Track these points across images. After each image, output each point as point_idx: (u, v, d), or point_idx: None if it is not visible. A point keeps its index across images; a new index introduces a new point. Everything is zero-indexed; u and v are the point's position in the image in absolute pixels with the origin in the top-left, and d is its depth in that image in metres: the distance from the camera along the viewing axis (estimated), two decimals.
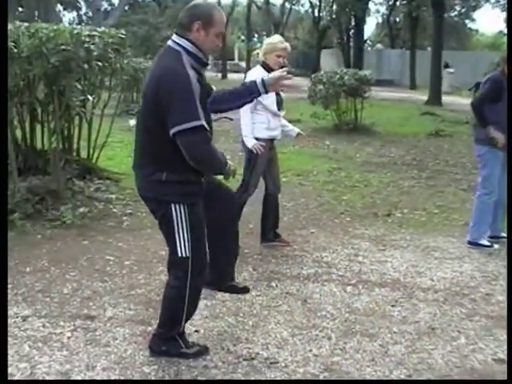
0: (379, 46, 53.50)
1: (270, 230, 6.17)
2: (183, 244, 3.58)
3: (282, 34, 46.37)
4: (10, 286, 4.92)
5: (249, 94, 3.79)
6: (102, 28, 7.80)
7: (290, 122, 6.47)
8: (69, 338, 4.11)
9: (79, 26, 7.30)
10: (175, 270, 3.70)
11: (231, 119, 17.43)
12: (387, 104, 22.78)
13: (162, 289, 4.83)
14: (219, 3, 48.57)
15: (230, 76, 46.56)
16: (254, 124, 5.72)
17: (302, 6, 58.00)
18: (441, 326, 4.37)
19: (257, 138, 5.70)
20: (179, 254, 3.61)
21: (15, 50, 6.25)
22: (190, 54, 3.42)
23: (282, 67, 5.21)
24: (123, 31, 8.33)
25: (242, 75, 43.33)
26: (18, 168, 7.26)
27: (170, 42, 3.52)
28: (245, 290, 4.73)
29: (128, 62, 10.14)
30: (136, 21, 40.36)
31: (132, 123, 14.27)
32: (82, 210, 6.76)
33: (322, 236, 6.48)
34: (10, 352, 3.83)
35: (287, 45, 5.74)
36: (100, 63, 7.21)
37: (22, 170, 7.31)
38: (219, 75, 45.45)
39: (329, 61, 47.11)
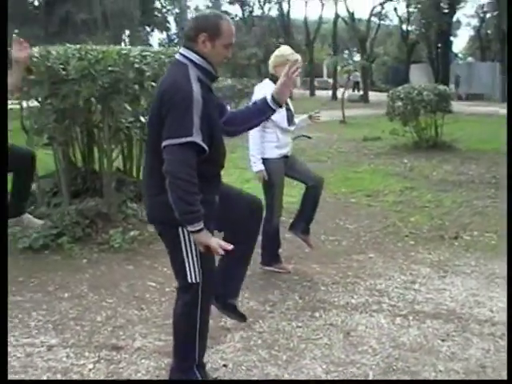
0: (470, 59, 52.17)
1: (300, 221, 5.92)
2: (193, 269, 3.33)
3: (371, 50, 46.07)
4: (43, 312, 4.81)
5: (262, 113, 3.50)
6: (157, 48, 7.65)
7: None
8: (90, 369, 3.92)
9: (129, 47, 7.18)
10: (184, 295, 3.44)
11: (310, 137, 17.18)
12: (473, 119, 21.95)
13: None
14: (305, 21, 48.75)
15: (318, 93, 46.40)
16: (262, 143, 5.46)
17: (391, 20, 57.39)
18: (493, 364, 3.91)
19: (267, 159, 5.44)
20: (189, 280, 3.35)
21: (63, 73, 6.20)
22: (198, 66, 3.24)
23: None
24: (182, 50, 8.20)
25: (331, 92, 43.40)
26: (76, 190, 7.21)
27: (177, 56, 3.33)
28: (241, 319, 4.11)
29: None
30: None
31: None
32: (132, 233, 6.60)
33: (380, 261, 6.07)
34: None
35: (299, 57, 5.43)
36: (154, 84, 7.07)
37: (81, 192, 7.25)
38: (307, 92, 45.33)
39: (418, 75, 46.28)
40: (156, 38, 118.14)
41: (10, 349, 4.17)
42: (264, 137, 5.45)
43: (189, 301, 3.41)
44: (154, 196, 3.31)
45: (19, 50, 4.64)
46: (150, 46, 42.49)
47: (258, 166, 5.42)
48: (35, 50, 6.34)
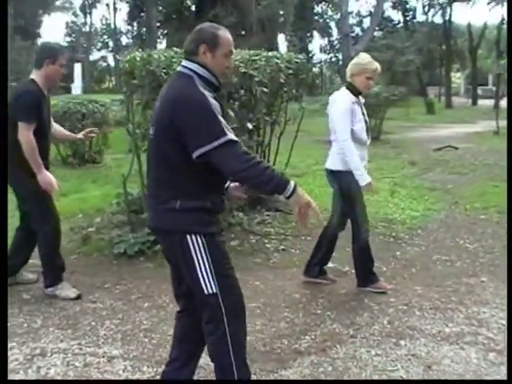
0: None
1: (315, 264, 5.50)
2: (207, 279, 3.12)
3: None
4: (117, 321, 4.73)
5: (278, 181, 3.09)
6: (276, 52, 7.45)
7: None
8: None
9: (247, 51, 7.02)
10: (205, 312, 3.20)
11: (456, 148, 16.36)
12: None
13: (274, 339, 4.38)
14: (469, 27, 46.74)
15: (481, 102, 44.26)
16: (337, 155, 5.09)
17: None
18: None
19: (345, 171, 5.05)
20: (205, 291, 3.14)
21: (165, 77, 6.15)
22: (202, 77, 3.18)
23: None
24: (301, 56, 7.98)
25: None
26: None
27: (180, 68, 3.26)
28: None
29: None
30: (382, 46, 40.01)
31: None
32: (232, 243, 6.43)
33: (491, 286, 5.46)
34: None
35: (378, 65, 5.07)
36: (265, 89, 6.90)
37: None
38: (469, 101, 43.47)
39: None
40: (317, 43, 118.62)
41: (70, 357, 4.12)
42: (340, 148, 5.10)
43: (211, 317, 3.18)
44: (161, 204, 3.15)
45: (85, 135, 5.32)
46: (308, 51, 42.88)
47: (367, 178, 5.02)
48: (138, 54, 6.35)
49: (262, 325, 4.68)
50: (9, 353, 4.19)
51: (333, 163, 5.19)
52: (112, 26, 63.00)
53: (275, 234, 6.90)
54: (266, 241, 6.73)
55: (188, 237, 3.10)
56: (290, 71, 7.45)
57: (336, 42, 58.49)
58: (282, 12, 38.87)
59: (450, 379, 3.74)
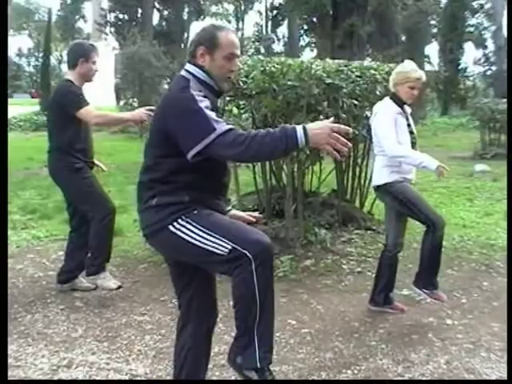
0: None
1: (380, 292, 5.05)
2: (215, 244, 2.86)
3: None
4: (158, 337, 4.59)
5: (284, 138, 2.75)
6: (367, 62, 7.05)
7: None
8: None
9: (315, 60, 6.66)
10: (232, 271, 2.83)
11: None
12: None
13: (312, 370, 4.06)
14: None
15: None
16: (382, 168, 4.78)
17: None
18: None
19: (385, 184, 4.78)
20: (222, 253, 2.84)
21: (244, 86, 5.96)
22: (200, 80, 3.04)
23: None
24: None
25: None
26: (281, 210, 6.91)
27: (181, 71, 3.11)
28: None
29: None
30: None
31: (478, 168, 13.07)
32: (307, 262, 6.11)
33: None
34: None
35: (422, 74, 4.67)
36: (356, 101, 6.54)
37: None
38: None
39: None
40: (472, 55, 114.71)
41: (93, 371, 4.01)
42: (383, 160, 4.80)
43: (237, 270, 2.81)
44: (142, 205, 3.06)
45: (143, 115, 4.91)
46: (458, 63, 41.10)
47: (434, 161, 4.63)
48: None
49: (307, 353, 4.35)
50: (37, 361, 4.17)
51: (379, 178, 4.88)
52: (264, 33, 63.96)
53: (356, 254, 6.49)
54: (343, 261, 6.34)
55: (171, 227, 2.94)
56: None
57: (491, 54, 56.01)
58: (432, 22, 37.74)
59: (450, 379, 3.57)
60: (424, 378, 3.97)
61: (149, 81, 23.39)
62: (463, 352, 4.36)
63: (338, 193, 7.69)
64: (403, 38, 30.30)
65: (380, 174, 4.86)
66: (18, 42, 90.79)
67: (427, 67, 34.28)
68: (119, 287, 5.25)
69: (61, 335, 4.58)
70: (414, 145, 4.82)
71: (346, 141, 2.71)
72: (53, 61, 48.00)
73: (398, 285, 5.38)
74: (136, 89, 23.87)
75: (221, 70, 3.04)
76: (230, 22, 69.88)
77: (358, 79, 6.62)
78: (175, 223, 2.93)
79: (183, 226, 2.92)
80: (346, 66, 6.58)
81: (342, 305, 5.28)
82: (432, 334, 4.67)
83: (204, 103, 2.87)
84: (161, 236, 3.01)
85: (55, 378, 3.93)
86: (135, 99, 23.84)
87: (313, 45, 41.02)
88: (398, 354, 4.34)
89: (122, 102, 25.17)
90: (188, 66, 3.09)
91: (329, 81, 6.17)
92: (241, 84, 5.96)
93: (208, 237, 2.87)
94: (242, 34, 69.92)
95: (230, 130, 2.79)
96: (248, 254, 2.77)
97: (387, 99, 4.90)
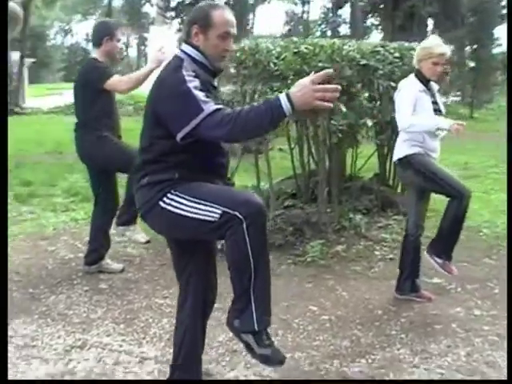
0: None
1: (405, 279, 4.89)
2: (207, 210, 2.83)
3: None
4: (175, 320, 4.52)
5: (269, 110, 2.65)
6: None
7: None
8: None
9: (348, 42, 6.45)
10: (224, 234, 2.82)
11: None
12: None
13: (326, 358, 3.97)
14: None
15: None
16: (403, 142, 4.65)
17: None
18: None
19: (405, 156, 4.66)
20: (213, 219, 2.82)
21: (274, 68, 5.85)
22: (195, 60, 3.00)
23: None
24: None
25: None
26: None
27: (177, 51, 3.08)
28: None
29: None
30: None
31: None
32: (338, 248, 5.99)
33: None
34: None
35: (446, 49, 4.45)
36: (393, 83, 6.34)
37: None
38: None
39: None
40: None
41: (105, 353, 4.01)
42: (407, 135, 4.65)
43: (229, 232, 2.80)
44: (136, 184, 3.08)
45: (159, 55, 4.90)
46: None
47: (447, 121, 4.53)
48: (246, 43, 6.10)
49: (323, 341, 4.25)
50: (53, 341, 4.19)
51: (399, 151, 4.76)
52: (330, 15, 63.15)
53: (391, 240, 6.31)
54: (376, 247, 6.18)
55: (161, 203, 2.94)
56: None
57: None
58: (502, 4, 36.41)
59: (450, 379, 3.50)
60: (440, 370, 3.82)
61: None
62: (486, 344, 4.19)
63: (379, 177, 7.52)
64: (470, 20, 29.37)
65: (400, 148, 4.74)
66: (86, 28, 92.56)
67: (496, 49, 33.16)
68: (148, 242, 5.37)
69: (80, 316, 4.60)
70: None
71: (332, 86, 2.59)
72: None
73: (429, 273, 5.23)
74: None
75: (215, 50, 2.99)
76: (296, 4, 69.34)
77: (397, 60, 6.41)
78: (165, 198, 2.93)
79: (172, 200, 2.91)
80: (382, 46, 6.38)
81: (368, 292, 5.15)
82: (456, 325, 4.50)
83: (193, 83, 2.83)
84: (153, 213, 3.01)
85: (67, 358, 3.95)
86: None
87: (376, 27, 40.29)
88: (417, 344, 4.20)
89: None
90: (183, 46, 3.05)
91: (363, 62, 6.00)
92: (271, 66, 5.84)
93: (197, 205, 2.86)
94: (308, 17, 69.30)
95: (218, 110, 2.75)
96: (238, 214, 2.76)
97: (412, 76, 4.75)
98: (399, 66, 6.43)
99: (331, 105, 2.62)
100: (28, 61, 28.41)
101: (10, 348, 3.99)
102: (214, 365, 3.90)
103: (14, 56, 25.14)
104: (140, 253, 5.95)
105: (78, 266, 5.65)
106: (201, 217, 2.84)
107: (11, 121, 21.43)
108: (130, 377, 3.73)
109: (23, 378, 3.47)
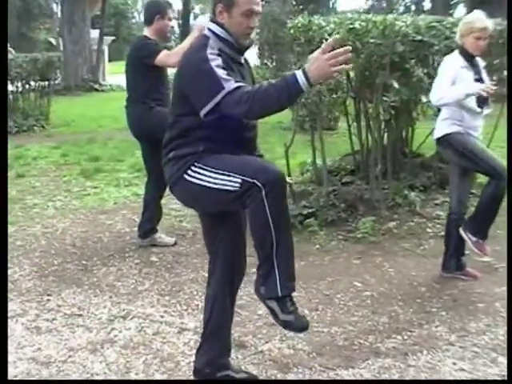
0: None
1: (451, 257, 4.82)
2: (228, 179, 2.92)
3: None
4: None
5: (285, 86, 2.73)
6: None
7: None
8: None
9: (406, 17, 6.35)
10: (245, 202, 2.91)
11: None
12: None
13: (361, 334, 4.03)
14: None
15: None
16: (443, 120, 4.58)
17: None
18: None
19: (443, 135, 4.62)
20: (234, 189, 2.91)
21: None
22: (220, 38, 3.06)
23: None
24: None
25: None
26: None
27: (204, 29, 3.16)
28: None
29: None
30: None
31: None
32: (390, 224, 5.97)
33: None
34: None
35: (489, 23, 4.30)
36: None
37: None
38: None
39: None
40: None
41: (146, 323, 4.18)
42: (446, 113, 4.59)
43: (250, 200, 2.88)
44: (163, 163, 3.20)
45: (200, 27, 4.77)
46: None
47: (475, 85, 4.48)
48: (300, 20, 6.11)
49: (362, 316, 4.29)
50: (98, 311, 4.39)
51: (439, 130, 4.70)
52: None
53: (444, 218, 6.20)
54: (429, 224, 6.12)
55: (185, 176, 3.04)
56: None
57: None
58: None
59: (450, 379, 3.44)
60: (475, 349, 3.80)
61: (282, 40, 23.27)
62: None
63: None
64: None
65: (440, 127, 4.69)
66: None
67: None
68: (175, 243, 5.74)
69: (128, 288, 4.79)
70: (483, 100, 4.55)
71: (343, 49, 2.65)
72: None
73: None
74: (270, 48, 23.86)
75: (239, 27, 3.04)
76: None
77: (453, 36, 6.28)
78: (189, 171, 3.03)
79: (195, 172, 3.01)
80: (438, 22, 6.26)
81: (415, 269, 5.13)
82: (500, 304, 4.44)
83: (215, 62, 2.91)
84: (180, 186, 3.13)
85: (109, 327, 4.13)
86: (273, 56, 23.88)
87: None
88: (456, 322, 4.18)
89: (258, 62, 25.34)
90: (209, 24, 3.13)
91: (418, 37, 5.92)
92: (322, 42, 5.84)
93: (218, 176, 2.94)
94: None
95: (238, 88, 2.83)
96: (257, 182, 2.83)
97: (455, 52, 4.68)
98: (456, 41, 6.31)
99: (349, 66, 2.73)
100: (107, 38, 28.95)
101: (57, 317, 4.22)
102: (251, 337, 4.00)
103: (94, 34, 25.69)
104: (194, 227, 6.08)
105: (132, 240, 5.85)
106: (222, 187, 2.93)
107: (90, 97, 22.01)
108: (166, 347, 3.87)
109: (23, 378, 3.53)
